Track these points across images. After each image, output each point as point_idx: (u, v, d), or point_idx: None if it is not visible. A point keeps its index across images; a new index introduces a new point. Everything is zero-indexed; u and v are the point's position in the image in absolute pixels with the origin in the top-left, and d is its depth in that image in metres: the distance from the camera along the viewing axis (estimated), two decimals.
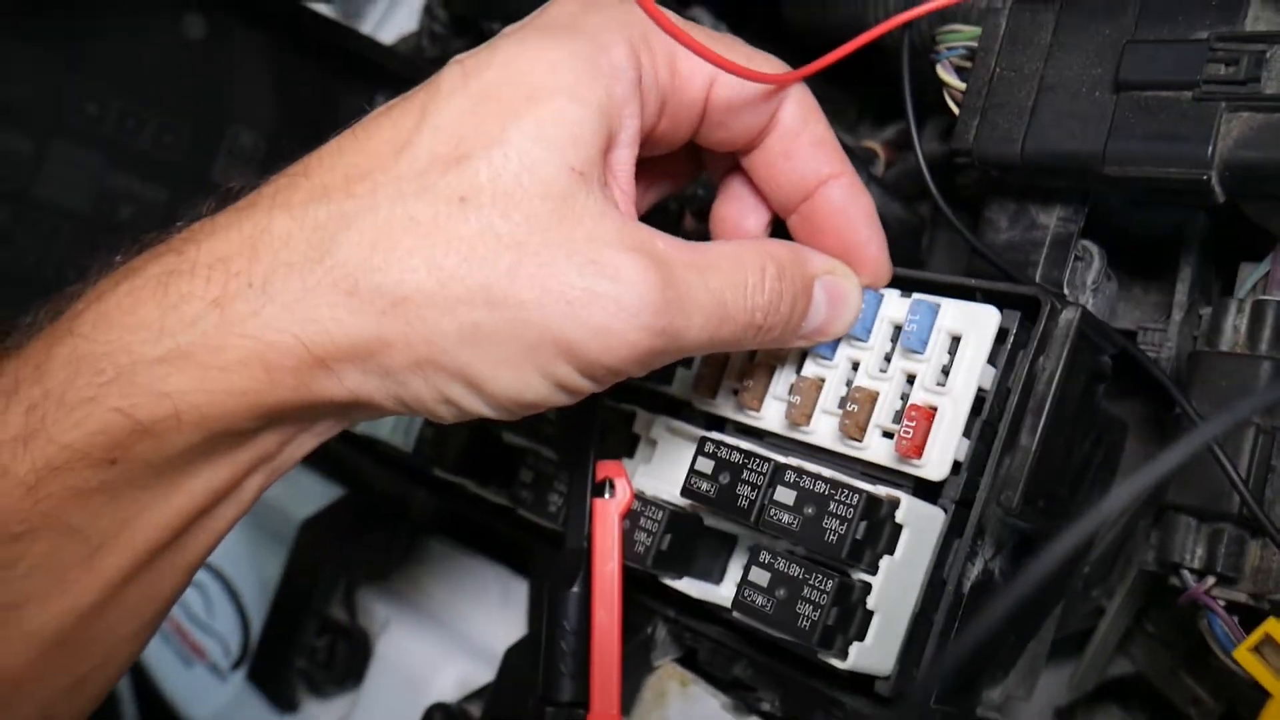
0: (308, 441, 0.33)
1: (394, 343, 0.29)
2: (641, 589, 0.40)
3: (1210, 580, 0.35)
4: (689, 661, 0.42)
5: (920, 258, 0.52)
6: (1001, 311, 0.35)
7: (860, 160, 0.48)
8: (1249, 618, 0.34)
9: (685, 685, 0.42)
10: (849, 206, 0.36)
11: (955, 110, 0.39)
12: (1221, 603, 0.34)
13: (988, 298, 0.36)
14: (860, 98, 0.67)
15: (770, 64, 0.34)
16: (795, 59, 0.59)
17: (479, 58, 0.31)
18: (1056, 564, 0.26)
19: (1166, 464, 0.27)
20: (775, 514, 0.34)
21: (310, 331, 0.29)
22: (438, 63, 0.62)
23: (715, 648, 0.40)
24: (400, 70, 0.61)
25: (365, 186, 0.30)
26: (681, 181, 0.40)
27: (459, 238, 0.29)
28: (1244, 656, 0.31)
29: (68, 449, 0.28)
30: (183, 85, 0.57)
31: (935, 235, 0.56)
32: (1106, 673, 0.46)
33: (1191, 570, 0.35)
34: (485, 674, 0.47)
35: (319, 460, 0.59)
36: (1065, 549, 0.26)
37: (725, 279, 0.32)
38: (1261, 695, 0.32)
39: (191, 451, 0.30)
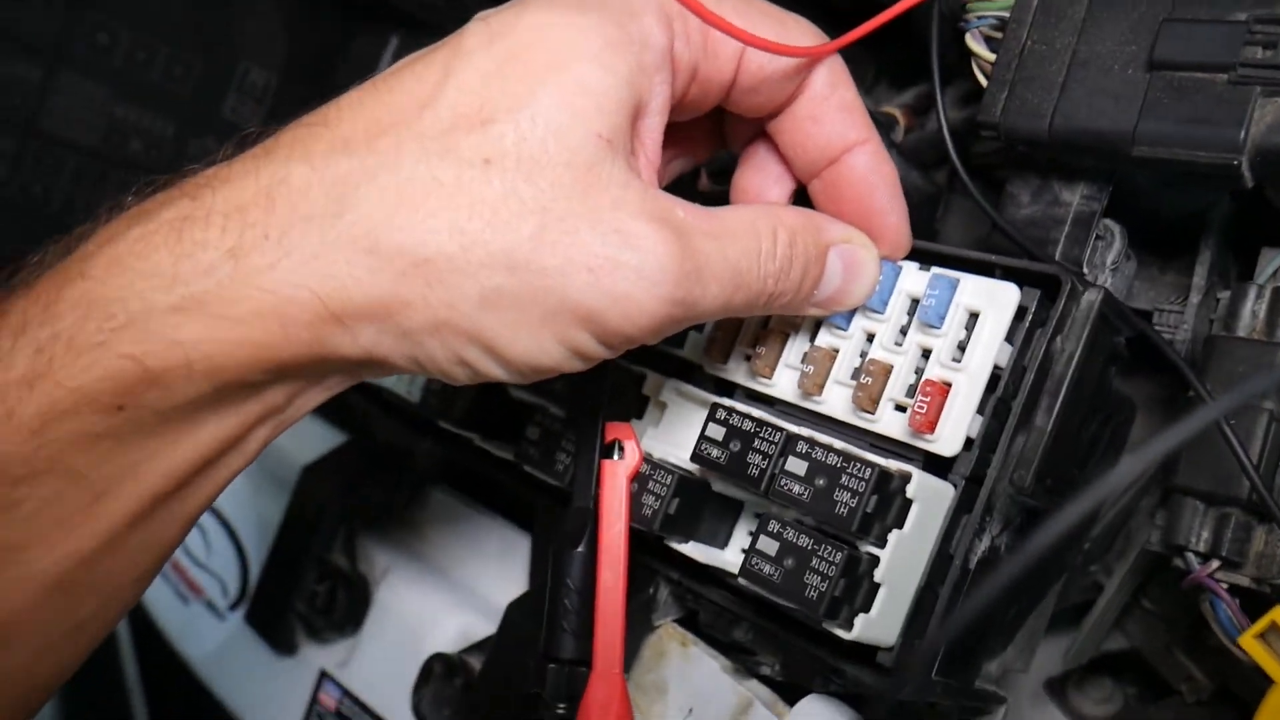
0: (316, 395, 0.33)
1: (413, 303, 0.29)
2: (645, 549, 0.40)
3: (1214, 564, 0.35)
4: (690, 623, 0.43)
5: (935, 227, 0.51)
6: (1021, 289, 0.35)
7: (881, 126, 0.47)
8: (1251, 602, 0.35)
9: (685, 646, 0.42)
10: (871, 174, 0.36)
11: (983, 81, 0.38)
12: (1225, 586, 0.34)
13: (1007, 274, 0.35)
14: (878, 59, 0.66)
15: (801, 28, 0.34)
16: (825, 19, 0.58)
17: (505, 17, 0.31)
18: (1061, 535, 0.26)
19: (1174, 439, 0.27)
20: (786, 484, 0.34)
21: (328, 288, 0.29)
22: (455, 4, 0.61)
23: (717, 611, 0.41)
24: (416, 11, 0.60)
25: (388, 142, 0.29)
26: (705, 151, 0.40)
27: (482, 201, 0.29)
28: (1249, 643, 0.31)
29: (75, 393, 0.28)
30: (195, 19, 0.56)
31: (950, 203, 0.56)
32: (1101, 647, 0.47)
33: (1196, 553, 0.36)
34: (485, 627, 0.47)
35: (323, 407, 0.59)
36: (1070, 520, 0.26)
37: (740, 246, 0.32)
38: (1260, 679, 0.32)
39: (200, 401, 0.30)
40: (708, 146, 0.40)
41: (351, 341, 0.30)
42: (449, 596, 0.49)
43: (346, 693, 0.50)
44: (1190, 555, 0.36)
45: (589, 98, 0.30)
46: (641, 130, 0.32)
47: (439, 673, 0.45)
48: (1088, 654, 0.47)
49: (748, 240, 0.32)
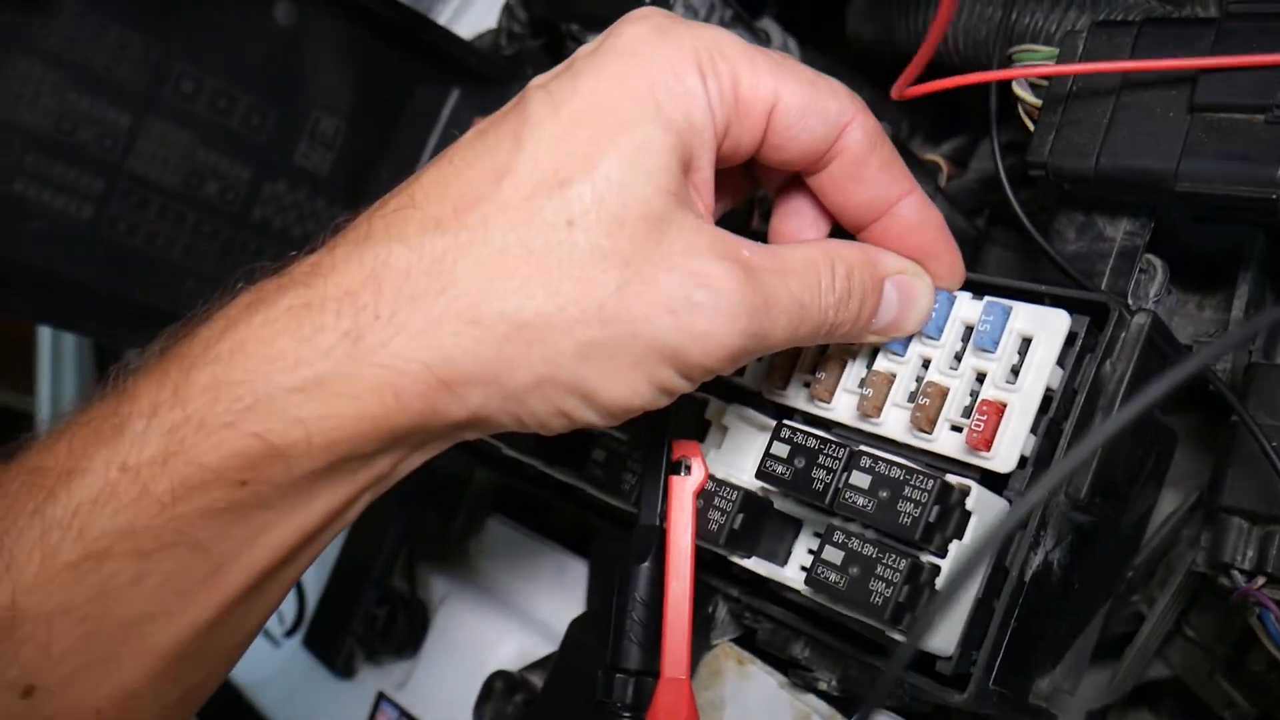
0: (418, 459, 0.35)
1: (516, 365, 0.31)
2: (704, 568, 0.42)
3: (1260, 580, 0.37)
4: (746, 642, 0.44)
5: (975, 270, 0.54)
6: (1070, 316, 0.37)
7: (927, 172, 0.49)
8: None
9: (742, 664, 0.43)
10: (919, 223, 0.37)
11: (1029, 125, 0.41)
12: (1273, 600, 0.36)
13: (1057, 302, 0.37)
14: (912, 114, 0.69)
15: (831, 88, 0.36)
16: (858, 73, 0.61)
17: (563, 84, 0.33)
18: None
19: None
20: (850, 497, 0.36)
21: (438, 359, 0.31)
22: (513, 61, 0.64)
23: (775, 627, 0.42)
24: (477, 66, 0.63)
25: (475, 216, 0.32)
26: (740, 196, 0.42)
27: (571, 261, 0.31)
28: None
29: (205, 470, 0.30)
30: (272, 70, 0.59)
31: (988, 248, 0.58)
32: (1144, 676, 0.48)
33: (1242, 571, 0.37)
34: (543, 647, 0.48)
35: None
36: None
37: (802, 280, 0.34)
38: None
39: (316, 474, 0.32)
40: (744, 189, 0.42)
41: (460, 406, 0.32)
42: (506, 619, 0.51)
43: (404, 713, 0.51)
44: (1236, 573, 0.38)
45: (653, 155, 0.32)
46: (696, 179, 0.34)
47: (500, 689, 0.46)
48: (1131, 682, 0.48)
49: (809, 275, 0.34)
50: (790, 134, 0.35)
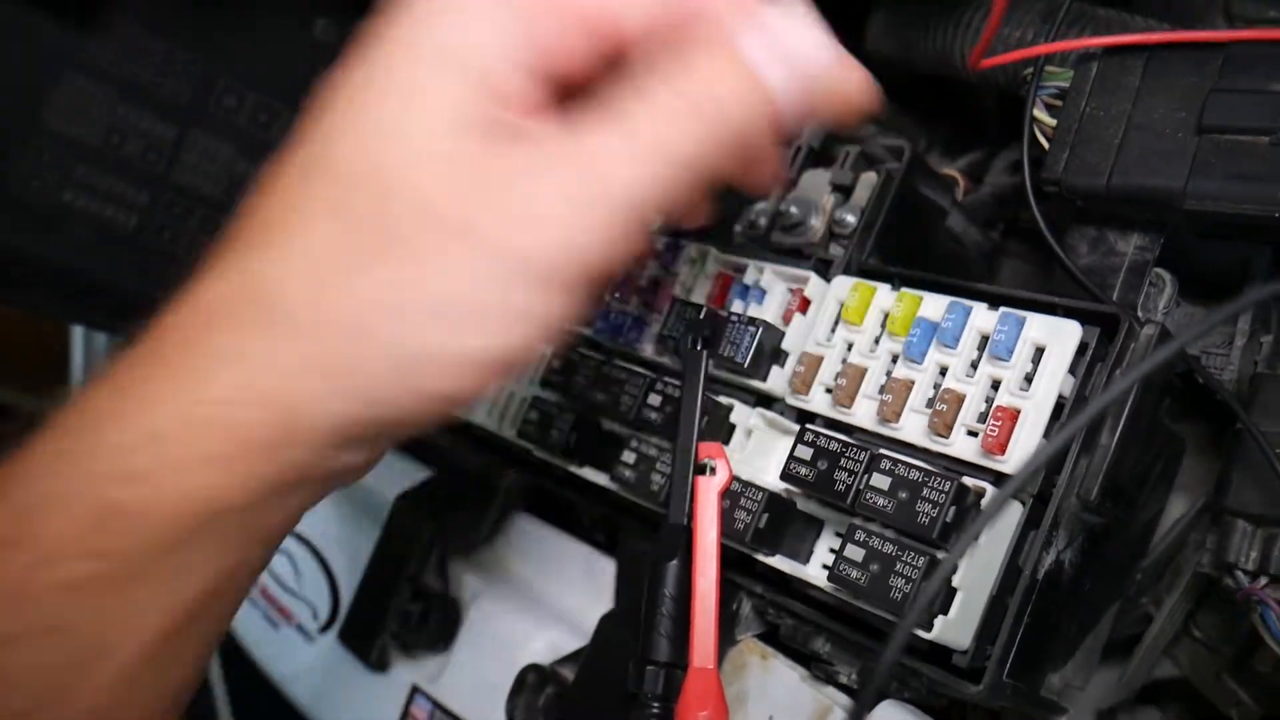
0: (308, 500, 0.32)
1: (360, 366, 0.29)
2: (729, 566, 0.44)
3: (1263, 580, 0.38)
4: (769, 638, 0.46)
5: (992, 281, 0.55)
6: (1082, 327, 0.39)
7: (944, 186, 0.51)
8: None
9: (765, 659, 0.45)
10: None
11: (1044, 144, 0.43)
12: (1275, 600, 0.38)
13: (1069, 313, 0.39)
14: (930, 129, 0.71)
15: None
16: (890, 98, 0.63)
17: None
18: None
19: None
20: (871, 498, 0.38)
21: (274, 396, 0.29)
22: None
23: (797, 623, 0.44)
24: None
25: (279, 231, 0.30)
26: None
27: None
28: None
29: (55, 543, 0.28)
30: (309, 84, 0.62)
31: (1002, 262, 0.60)
32: (1151, 675, 0.50)
33: (1246, 571, 0.39)
34: (573, 642, 0.50)
35: (410, 444, 0.63)
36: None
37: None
38: None
39: (180, 535, 0.29)
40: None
41: (308, 449, 0.29)
42: (537, 614, 0.53)
43: (438, 705, 0.53)
44: (1240, 573, 0.39)
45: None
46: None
47: (532, 682, 0.48)
48: (1140, 681, 0.49)
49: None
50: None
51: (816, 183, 0.51)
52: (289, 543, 0.68)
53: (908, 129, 0.70)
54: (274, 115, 0.60)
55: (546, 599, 0.53)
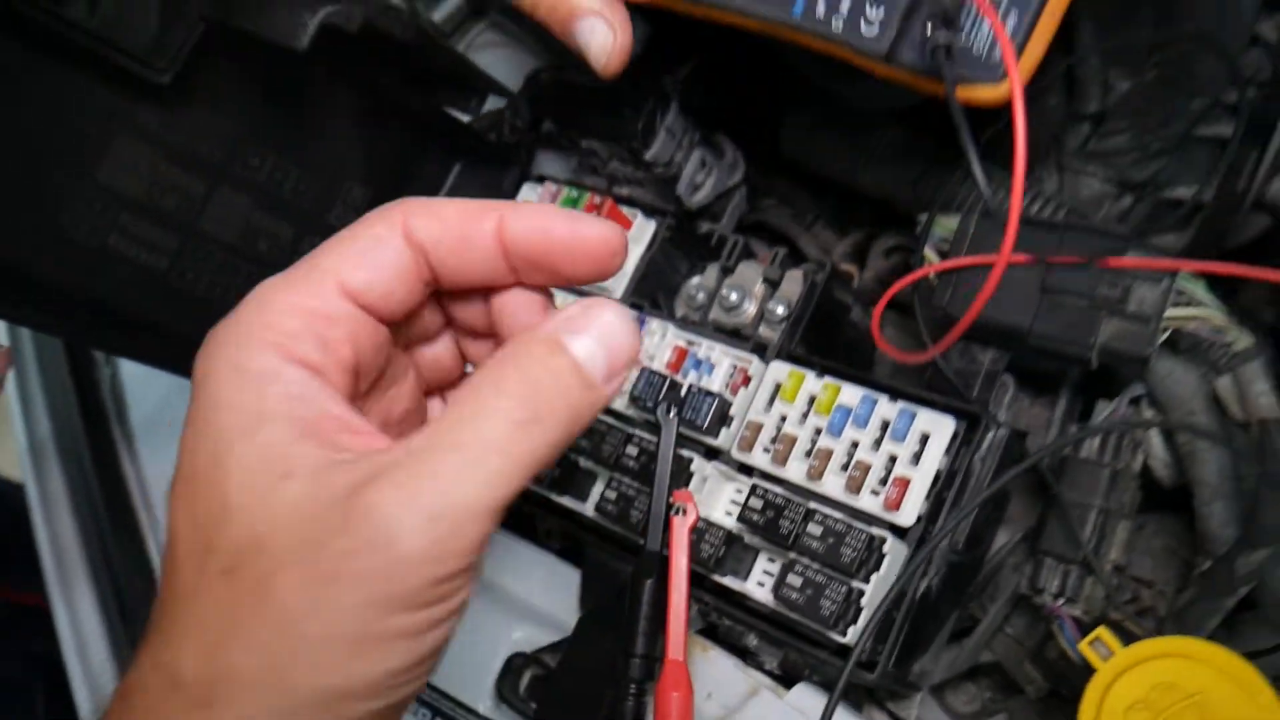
0: None
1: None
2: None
3: (1061, 601, 0.56)
4: (709, 634, 0.60)
5: (875, 358, 0.71)
6: (956, 418, 0.54)
7: (848, 287, 0.66)
8: (1080, 626, 0.55)
9: (706, 650, 0.59)
10: (533, 223, 0.37)
11: (933, 280, 0.58)
12: (1069, 616, 0.55)
13: (947, 409, 0.55)
14: (819, 201, 0.86)
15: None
16: (792, 182, 0.77)
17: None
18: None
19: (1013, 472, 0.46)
20: (807, 541, 0.53)
21: None
22: (512, 148, 0.76)
23: (733, 624, 0.58)
24: (479, 148, 0.76)
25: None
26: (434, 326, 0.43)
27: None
28: (1084, 649, 0.51)
29: None
30: (319, 149, 0.71)
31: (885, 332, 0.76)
32: (976, 660, 0.67)
33: (1050, 594, 0.56)
34: (544, 635, 0.63)
35: None
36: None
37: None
38: (1081, 679, 0.52)
39: None
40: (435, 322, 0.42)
41: None
42: (511, 610, 0.65)
43: (432, 686, 0.65)
44: (1046, 595, 0.56)
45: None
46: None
47: (518, 665, 0.60)
48: (966, 664, 0.66)
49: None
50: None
51: (749, 274, 0.65)
52: None
53: (802, 201, 0.85)
54: (286, 174, 0.69)
55: (521, 599, 0.66)
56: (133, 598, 0.81)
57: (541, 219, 0.36)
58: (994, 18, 0.41)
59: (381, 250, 0.35)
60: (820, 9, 0.45)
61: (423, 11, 0.85)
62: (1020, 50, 0.44)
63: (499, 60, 0.81)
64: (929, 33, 0.43)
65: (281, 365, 0.33)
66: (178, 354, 0.70)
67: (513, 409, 0.32)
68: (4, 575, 1.04)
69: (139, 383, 0.95)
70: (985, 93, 0.45)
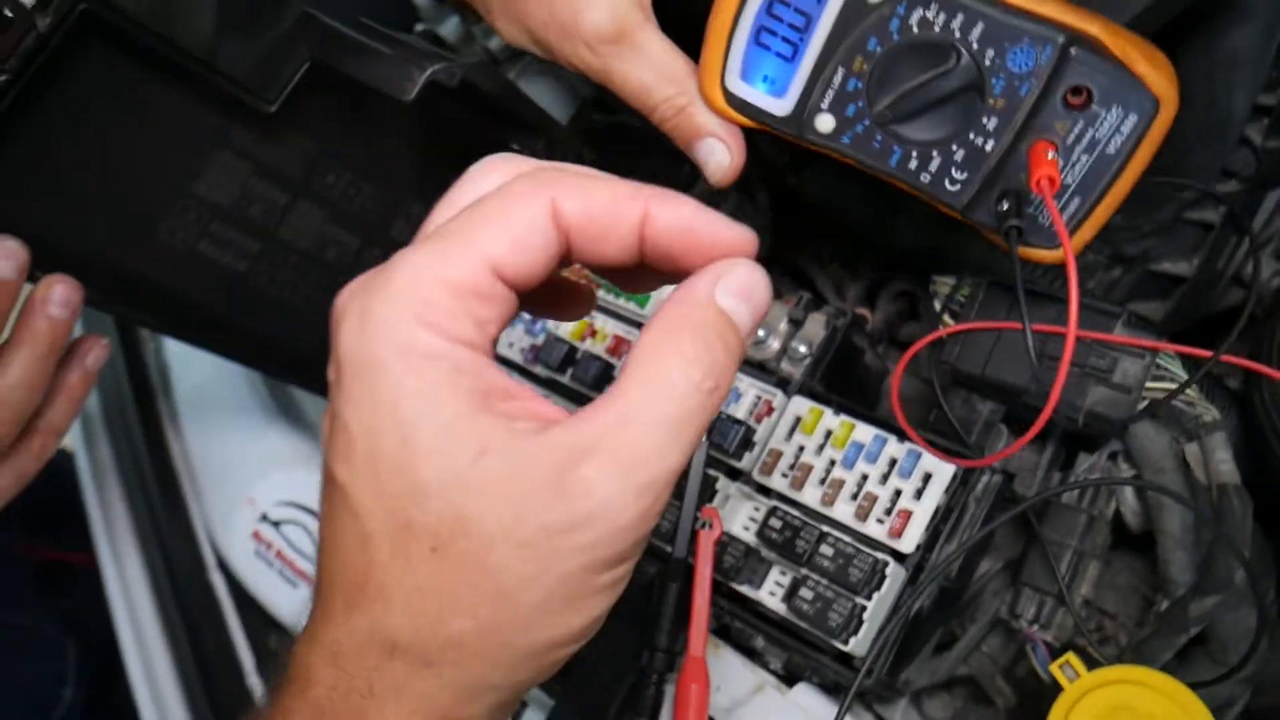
0: None
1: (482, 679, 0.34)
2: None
3: (1035, 627, 0.63)
4: (720, 634, 0.67)
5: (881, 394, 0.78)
6: (956, 461, 0.62)
7: (864, 331, 0.74)
8: (1051, 650, 0.63)
9: (718, 648, 0.67)
10: (679, 218, 0.37)
11: (945, 340, 0.65)
12: (1042, 640, 0.62)
13: (949, 453, 0.62)
14: (835, 245, 0.92)
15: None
16: (809, 222, 0.83)
17: (341, 447, 0.34)
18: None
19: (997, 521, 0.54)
20: (818, 560, 0.60)
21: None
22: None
23: (744, 626, 0.66)
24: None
25: (373, 589, 0.34)
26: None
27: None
28: (1054, 670, 0.58)
29: None
30: (390, 169, 0.77)
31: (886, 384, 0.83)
32: (954, 672, 0.74)
33: (1026, 620, 0.64)
34: None
35: None
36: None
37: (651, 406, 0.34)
38: (1049, 698, 0.59)
39: None
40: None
41: None
42: None
43: None
44: (1023, 621, 0.64)
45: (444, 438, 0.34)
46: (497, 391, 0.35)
47: None
48: (945, 675, 0.74)
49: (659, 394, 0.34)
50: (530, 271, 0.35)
51: (776, 313, 0.72)
52: (305, 516, 0.84)
53: (818, 241, 0.92)
54: (359, 190, 0.75)
55: None
56: (178, 562, 0.87)
57: (687, 214, 0.36)
58: (1055, 212, 0.48)
59: (533, 233, 0.35)
60: (913, 163, 0.52)
61: (480, 38, 0.92)
62: (1076, 230, 0.52)
63: (547, 91, 0.88)
64: (1003, 206, 0.51)
65: (444, 343, 0.33)
66: (249, 349, 0.76)
67: (701, 380, 0.34)
68: (41, 535, 1.10)
69: (182, 361, 1.01)
70: (1042, 254, 0.54)
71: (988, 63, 0.49)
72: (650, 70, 0.55)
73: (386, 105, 0.66)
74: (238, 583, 0.84)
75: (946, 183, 0.53)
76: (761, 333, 0.71)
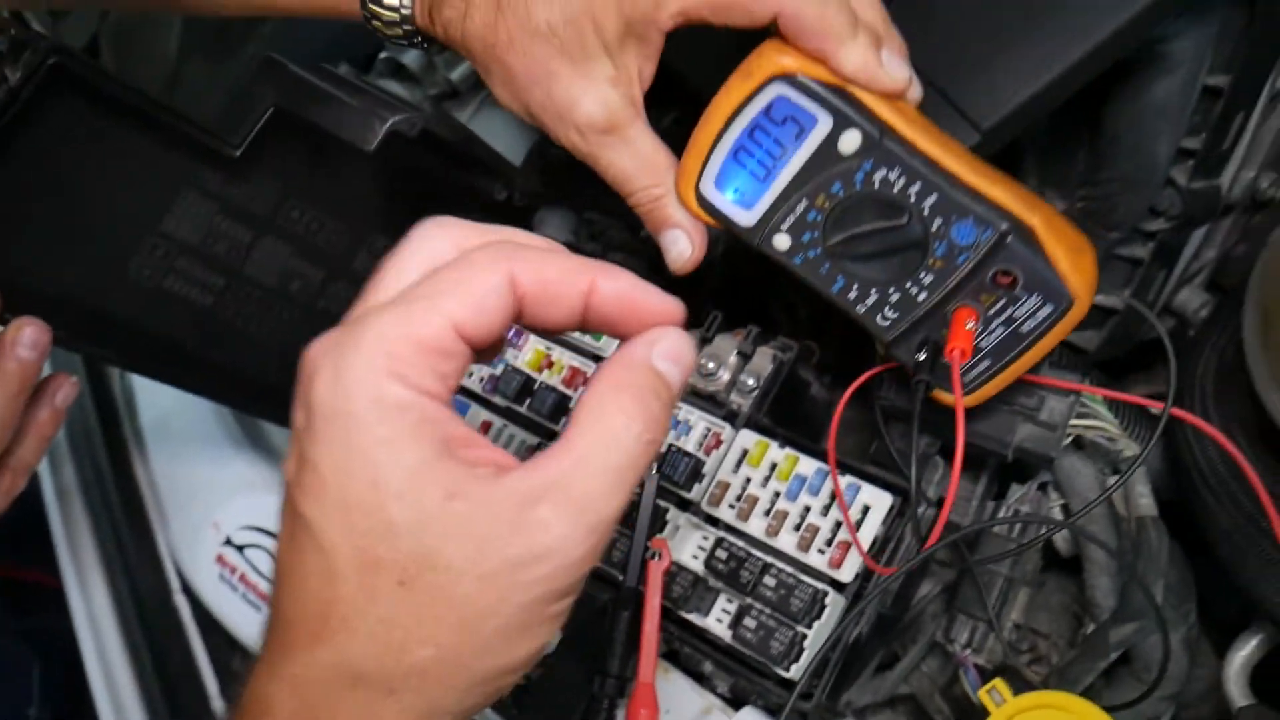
0: None
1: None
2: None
3: (968, 651, 0.66)
4: (671, 658, 0.70)
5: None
6: (893, 494, 0.65)
7: (810, 364, 0.77)
8: (983, 673, 0.66)
9: (667, 672, 0.69)
10: (620, 290, 0.41)
11: (883, 376, 0.69)
12: (973, 664, 0.66)
13: (887, 485, 0.65)
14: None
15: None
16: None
17: (309, 481, 0.37)
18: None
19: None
20: (761, 590, 0.63)
21: None
22: (526, 211, 0.85)
23: (692, 651, 0.68)
24: (489, 204, 0.85)
25: (335, 622, 0.36)
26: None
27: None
28: (982, 695, 0.62)
29: None
30: (355, 206, 0.80)
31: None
32: (896, 691, 0.78)
33: (959, 644, 0.67)
34: None
35: None
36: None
37: (601, 451, 0.38)
38: (977, 717, 0.63)
39: None
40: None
41: None
42: None
43: None
44: (957, 645, 0.67)
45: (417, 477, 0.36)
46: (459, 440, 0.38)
47: None
48: (887, 694, 0.77)
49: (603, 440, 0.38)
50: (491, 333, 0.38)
51: (725, 345, 0.75)
52: (269, 540, 0.86)
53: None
54: (323, 225, 0.77)
55: None
56: (143, 586, 0.89)
57: (628, 287, 0.41)
58: (957, 382, 0.55)
59: (493, 300, 0.38)
60: (853, 293, 0.57)
61: (442, 69, 0.94)
62: (979, 388, 0.58)
63: (508, 125, 0.91)
64: (920, 356, 0.57)
65: (412, 395, 0.36)
66: (216, 383, 0.78)
67: (641, 431, 0.38)
68: (5, 554, 1.10)
69: (147, 387, 1.02)
70: (945, 398, 0.58)
71: (935, 228, 0.53)
72: (634, 161, 0.59)
73: (349, 150, 0.68)
74: (202, 606, 0.85)
75: (879, 317, 0.58)
76: (711, 365, 0.74)
